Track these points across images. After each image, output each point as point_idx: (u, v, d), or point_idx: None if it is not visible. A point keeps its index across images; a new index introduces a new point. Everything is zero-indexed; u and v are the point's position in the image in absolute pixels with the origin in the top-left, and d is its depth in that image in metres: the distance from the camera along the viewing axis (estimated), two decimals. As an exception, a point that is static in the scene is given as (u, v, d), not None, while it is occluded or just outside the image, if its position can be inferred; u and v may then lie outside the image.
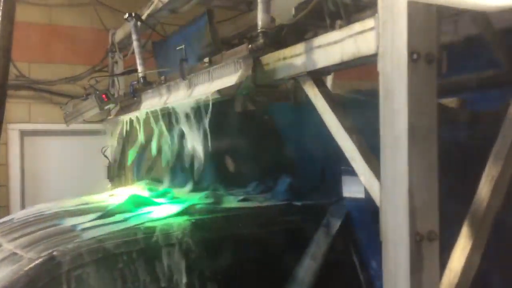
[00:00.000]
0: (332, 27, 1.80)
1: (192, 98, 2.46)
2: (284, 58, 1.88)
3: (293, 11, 2.07)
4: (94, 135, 5.51)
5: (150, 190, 3.42)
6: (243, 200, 2.90)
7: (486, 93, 2.46)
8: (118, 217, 2.59)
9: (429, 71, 1.35)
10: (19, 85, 5.25)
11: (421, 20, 1.34)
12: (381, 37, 1.40)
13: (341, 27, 1.68)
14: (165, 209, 2.82)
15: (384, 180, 1.42)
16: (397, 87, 1.35)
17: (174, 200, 3.16)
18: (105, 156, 4.85)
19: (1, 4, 1.21)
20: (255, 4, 2.01)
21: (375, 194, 1.48)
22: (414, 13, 1.33)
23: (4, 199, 5.23)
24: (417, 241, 1.36)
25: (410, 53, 1.32)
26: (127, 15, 3.22)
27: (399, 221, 1.37)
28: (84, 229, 2.38)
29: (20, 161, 5.41)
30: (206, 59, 2.30)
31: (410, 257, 1.35)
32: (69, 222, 2.58)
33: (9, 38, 1.20)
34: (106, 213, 2.64)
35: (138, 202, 2.90)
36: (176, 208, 2.75)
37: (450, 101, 2.50)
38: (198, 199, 2.97)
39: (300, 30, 2.13)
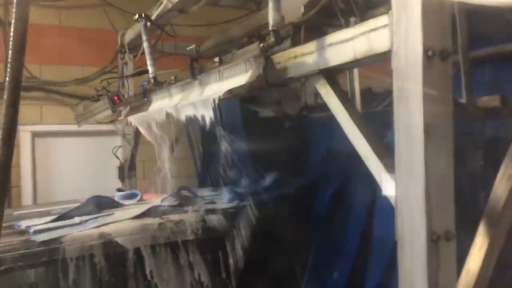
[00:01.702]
0: (345, 25, 1.79)
1: (203, 98, 2.45)
2: (296, 57, 1.86)
3: (302, 9, 2.06)
4: (105, 136, 5.54)
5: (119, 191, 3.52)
6: (210, 203, 3.06)
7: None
8: (76, 219, 2.65)
9: (444, 68, 1.32)
10: (30, 86, 5.28)
11: (435, 16, 1.31)
12: (395, 34, 1.37)
13: (355, 23, 1.66)
14: (126, 211, 2.89)
15: (399, 180, 1.40)
16: (412, 85, 1.33)
17: (139, 202, 3.26)
18: (116, 157, 4.87)
19: (14, 6, 1.21)
20: (264, 3, 2.00)
21: (390, 194, 1.46)
22: (429, 9, 1.30)
23: (16, 200, 5.26)
24: (433, 240, 1.33)
25: (425, 50, 1.30)
26: (137, 16, 3.21)
27: (415, 221, 1.35)
28: (36, 231, 2.42)
29: (32, 162, 5.44)
30: (216, 58, 2.29)
31: (426, 257, 1.33)
32: (25, 223, 2.64)
33: (22, 41, 1.20)
34: (62, 216, 2.70)
35: (100, 204, 2.97)
36: (137, 211, 2.83)
37: (492, 99, 2.43)
38: (161, 201, 3.04)
39: (311, 28, 2.11)
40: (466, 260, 1.58)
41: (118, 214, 2.83)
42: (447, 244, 1.35)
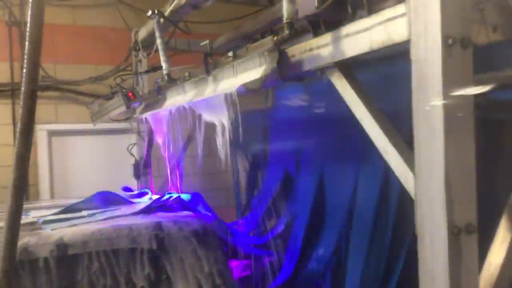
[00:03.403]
0: (353, 18, 1.75)
1: (217, 93, 2.43)
2: (311, 49, 1.83)
3: (315, 2, 2.03)
4: (120, 134, 5.57)
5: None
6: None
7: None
8: (84, 212, 2.67)
9: (465, 56, 1.29)
10: (45, 86, 5.33)
11: (455, 3, 1.28)
12: (413, 23, 1.34)
13: (362, 17, 1.63)
14: (131, 207, 2.92)
15: (419, 172, 1.37)
16: (432, 75, 1.29)
17: (144, 199, 3.28)
18: (131, 154, 4.90)
19: (30, 7, 1.21)
20: (276, -1, 1.97)
21: (410, 187, 1.43)
22: (448, -3, 1.27)
23: (34, 198, 5.33)
24: (454, 234, 1.30)
25: (445, 38, 1.26)
26: (150, 12, 3.22)
27: (436, 214, 1.32)
28: (45, 222, 2.44)
29: (49, 161, 5.49)
30: (230, 53, 2.28)
31: (448, 251, 1.30)
32: (34, 214, 2.68)
33: (37, 42, 1.20)
34: (67, 208, 2.73)
35: (107, 199, 3.00)
36: (139, 206, 2.84)
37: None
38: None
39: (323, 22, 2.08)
40: (488, 253, 1.55)
41: (124, 209, 2.85)
42: (469, 238, 1.32)
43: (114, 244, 2.36)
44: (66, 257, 2.28)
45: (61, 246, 2.29)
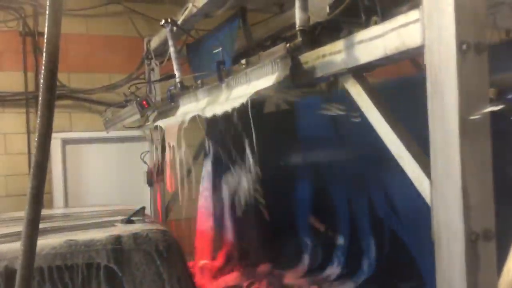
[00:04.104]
0: (367, 24, 1.75)
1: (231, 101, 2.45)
2: (324, 56, 1.84)
3: (327, 9, 2.03)
4: (133, 142, 5.61)
5: None
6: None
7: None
8: None
9: (480, 62, 1.28)
10: (60, 95, 5.39)
11: (469, 8, 1.28)
12: (427, 28, 1.34)
13: (375, 23, 1.63)
14: None
15: (435, 178, 1.36)
16: (447, 80, 1.29)
17: None
18: (144, 162, 4.93)
19: (47, 16, 1.23)
20: (287, 6, 1.98)
21: (425, 193, 1.42)
22: (462, 2, 1.27)
23: (48, 206, 5.37)
24: (472, 240, 1.29)
25: (459, 43, 1.26)
26: (163, 21, 3.25)
27: (453, 220, 1.31)
28: None
29: (63, 169, 5.54)
30: (243, 61, 2.29)
31: (465, 258, 1.29)
32: None
33: (54, 51, 1.21)
34: None
35: None
36: None
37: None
38: None
39: (335, 28, 2.08)
40: (507, 259, 1.53)
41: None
42: (487, 244, 1.30)
43: (68, 260, 2.21)
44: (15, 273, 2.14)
45: (12, 261, 2.14)
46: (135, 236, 2.38)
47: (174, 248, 2.42)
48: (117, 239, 2.34)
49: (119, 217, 2.82)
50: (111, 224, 2.70)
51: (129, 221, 2.72)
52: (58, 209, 3.68)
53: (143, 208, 2.96)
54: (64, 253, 2.23)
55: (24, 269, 1.26)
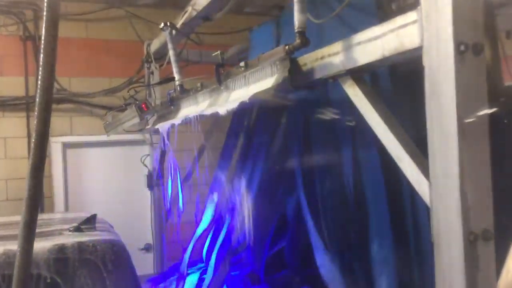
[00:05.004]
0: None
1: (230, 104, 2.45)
2: (322, 58, 1.84)
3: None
4: (133, 145, 5.61)
5: None
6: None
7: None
8: None
9: (478, 62, 1.29)
10: (60, 98, 5.40)
11: (466, 10, 1.28)
12: (425, 29, 1.34)
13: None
14: None
15: (434, 179, 1.36)
16: (445, 81, 1.29)
17: None
18: (145, 165, 4.93)
19: (44, 22, 1.23)
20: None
21: (425, 194, 1.42)
22: (459, 3, 1.27)
23: (49, 210, 5.38)
24: (471, 241, 1.29)
25: (457, 44, 1.26)
26: (162, 24, 3.25)
27: (451, 221, 1.31)
28: None
29: (63, 173, 5.54)
30: (242, 63, 2.29)
31: (464, 258, 1.29)
32: None
33: (51, 52, 1.22)
34: None
35: None
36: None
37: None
38: None
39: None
40: (506, 259, 1.52)
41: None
42: (486, 244, 1.30)
43: (5, 269, 2.09)
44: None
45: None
46: (80, 246, 2.25)
47: (123, 259, 2.31)
48: (61, 249, 2.22)
49: (69, 226, 2.65)
50: (59, 232, 2.55)
51: (77, 229, 2.56)
52: (4, 217, 3.48)
53: (94, 216, 2.82)
54: (1, 263, 2.10)
55: (20, 270, 1.25)
